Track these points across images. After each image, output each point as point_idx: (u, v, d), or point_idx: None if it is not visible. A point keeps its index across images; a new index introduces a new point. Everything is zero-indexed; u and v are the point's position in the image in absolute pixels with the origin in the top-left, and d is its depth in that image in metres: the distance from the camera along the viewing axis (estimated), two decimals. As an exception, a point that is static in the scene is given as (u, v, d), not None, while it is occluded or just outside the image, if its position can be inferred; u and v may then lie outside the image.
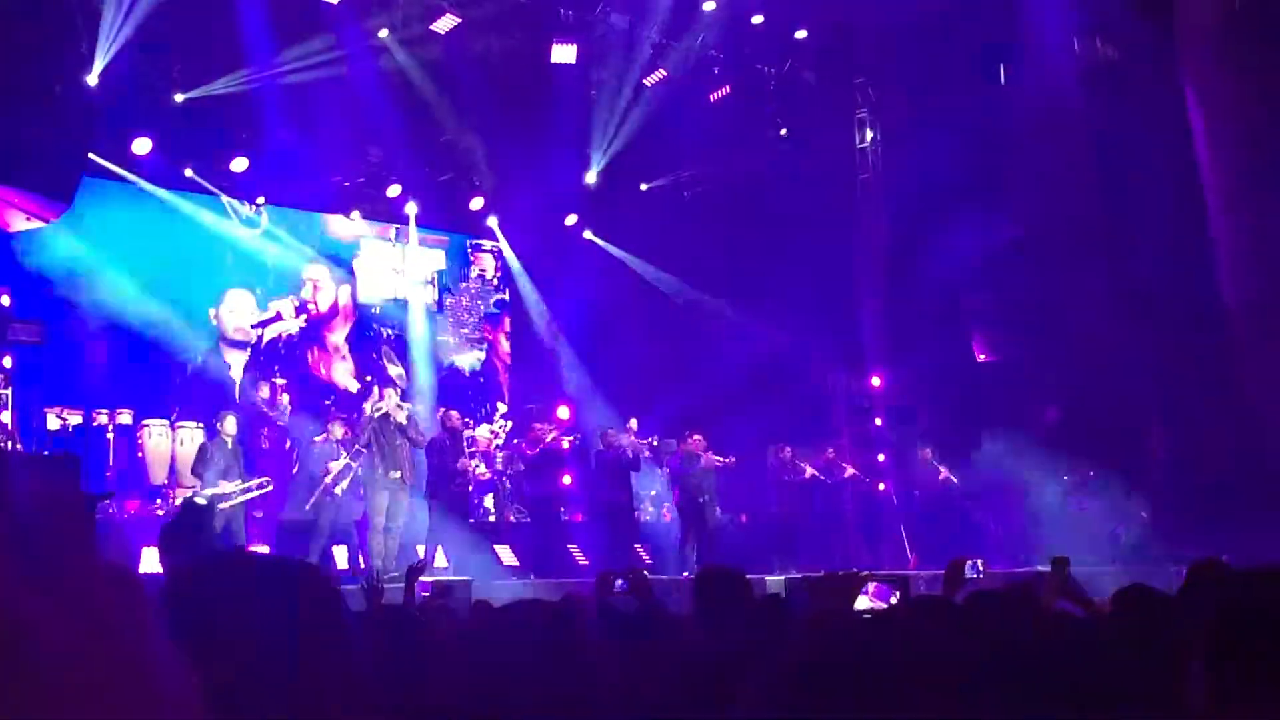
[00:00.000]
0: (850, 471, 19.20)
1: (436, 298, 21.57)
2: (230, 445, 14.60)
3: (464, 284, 22.04)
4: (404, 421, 15.14)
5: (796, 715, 1.59)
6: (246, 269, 19.19)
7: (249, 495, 14.52)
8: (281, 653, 1.69)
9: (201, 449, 14.81)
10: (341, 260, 20.43)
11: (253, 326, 18.95)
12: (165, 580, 1.83)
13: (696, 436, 17.27)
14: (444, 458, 15.83)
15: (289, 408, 18.46)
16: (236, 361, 18.76)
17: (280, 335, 19.24)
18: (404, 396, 17.57)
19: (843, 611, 2.37)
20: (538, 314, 22.04)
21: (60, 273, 16.41)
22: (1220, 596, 2.51)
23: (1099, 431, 18.65)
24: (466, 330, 21.90)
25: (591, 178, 21.12)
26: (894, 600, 2.90)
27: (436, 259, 21.65)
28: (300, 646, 1.71)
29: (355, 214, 20.28)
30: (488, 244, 22.21)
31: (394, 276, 20.97)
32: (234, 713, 1.59)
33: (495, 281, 22.38)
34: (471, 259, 22.18)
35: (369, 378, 19.71)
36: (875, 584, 2.98)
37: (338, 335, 20.08)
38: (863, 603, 2.82)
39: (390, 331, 20.60)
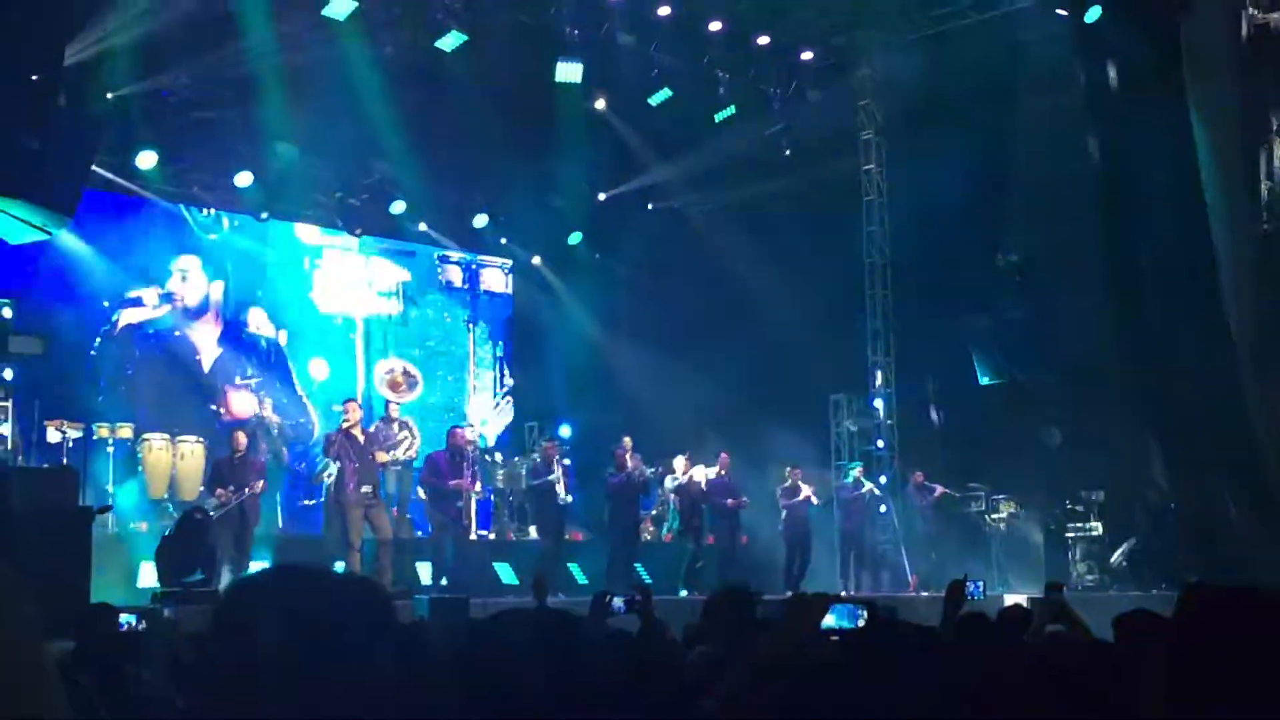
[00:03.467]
0: (941, 491, 19.12)
1: (401, 309, 21.48)
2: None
3: (429, 295, 21.90)
4: (363, 437, 15.07)
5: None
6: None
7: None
8: (336, 668, 1.67)
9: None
10: (301, 268, 20.35)
11: (107, 304, 18.13)
12: (222, 597, 1.81)
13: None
14: (440, 475, 15.78)
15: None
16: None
17: (135, 323, 18.50)
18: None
19: (808, 629, 2.37)
20: (541, 330, 22.09)
21: (61, 285, 16.42)
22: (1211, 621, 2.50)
23: (1099, 455, 18.63)
24: (433, 343, 21.81)
25: (601, 196, 21.18)
26: (861, 622, 2.90)
27: (401, 270, 21.52)
28: (355, 662, 1.69)
29: (359, 231, 20.35)
30: (455, 255, 22.10)
31: (356, 287, 20.89)
32: None
33: (466, 292, 22.30)
34: (439, 271, 22.10)
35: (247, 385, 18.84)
36: (843, 605, 2.99)
37: (202, 335, 19.21)
38: (830, 622, 2.82)
39: (265, 342, 19.80)
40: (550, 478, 16.72)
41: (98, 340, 17.79)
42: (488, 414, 21.86)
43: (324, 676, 1.64)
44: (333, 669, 1.65)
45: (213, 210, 19.10)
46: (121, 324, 18.25)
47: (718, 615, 5.95)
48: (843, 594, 13.50)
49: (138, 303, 18.46)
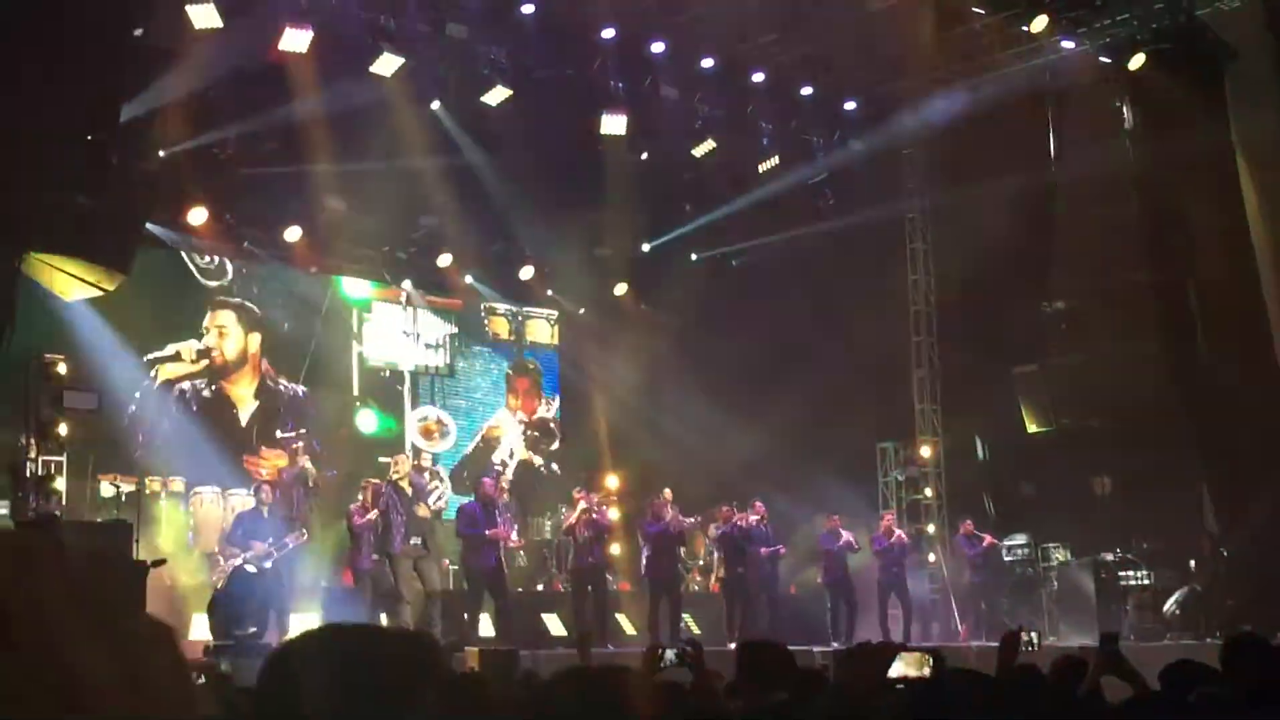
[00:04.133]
0: (989, 541, 18.86)
1: (449, 360, 21.60)
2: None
3: (477, 348, 22.01)
4: (411, 489, 15.06)
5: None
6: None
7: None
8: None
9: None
10: (347, 322, 20.44)
11: (145, 359, 18.18)
12: (267, 659, 1.81)
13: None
14: (474, 526, 15.67)
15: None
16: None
17: (173, 379, 18.56)
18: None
19: (873, 679, 2.37)
20: (586, 382, 22.14)
21: (115, 340, 16.58)
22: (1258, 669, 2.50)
23: (1150, 502, 18.50)
24: (479, 394, 21.90)
25: (646, 247, 21.28)
26: (927, 670, 2.88)
27: (447, 322, 21.60)
28: (405, 715, 1.69)
29: (407, 283, 20.51)
30: (501, 307, 22.26)
31: (404, 339, 21.00)
32: None
33: (513, 344, 22.40)
34: (485, 322, 22.19)
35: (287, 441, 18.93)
36: (910, 653, 2.97)
37: (240, 389, 19.43)
38: (896, 671, 2.81)
39: (303, 394, 19.73)
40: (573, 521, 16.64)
41: (137, 395, 17.87)
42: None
43: None
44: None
45: (216, 258, 19.08)
46: (160, 379, 18.35)
47: (748, 666, 5.94)
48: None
49: (175, 358, 18.54)
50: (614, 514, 17.63)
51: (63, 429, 13.51)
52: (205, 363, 18.76)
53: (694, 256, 22.16)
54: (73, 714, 0.69)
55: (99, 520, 14.35)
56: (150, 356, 18.20)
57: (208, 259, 18.98)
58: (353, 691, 1.69)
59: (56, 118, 12.44)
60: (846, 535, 17.93)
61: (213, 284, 19.12)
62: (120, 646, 0.70)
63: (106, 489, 15.39)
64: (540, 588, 18.52)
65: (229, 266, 19.14)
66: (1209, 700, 3.34)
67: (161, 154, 16.17)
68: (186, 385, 18.58)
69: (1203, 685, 4.09)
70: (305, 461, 17.58)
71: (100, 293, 14.06)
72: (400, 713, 1.67)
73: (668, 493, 17.17)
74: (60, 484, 13.44)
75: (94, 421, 14.67)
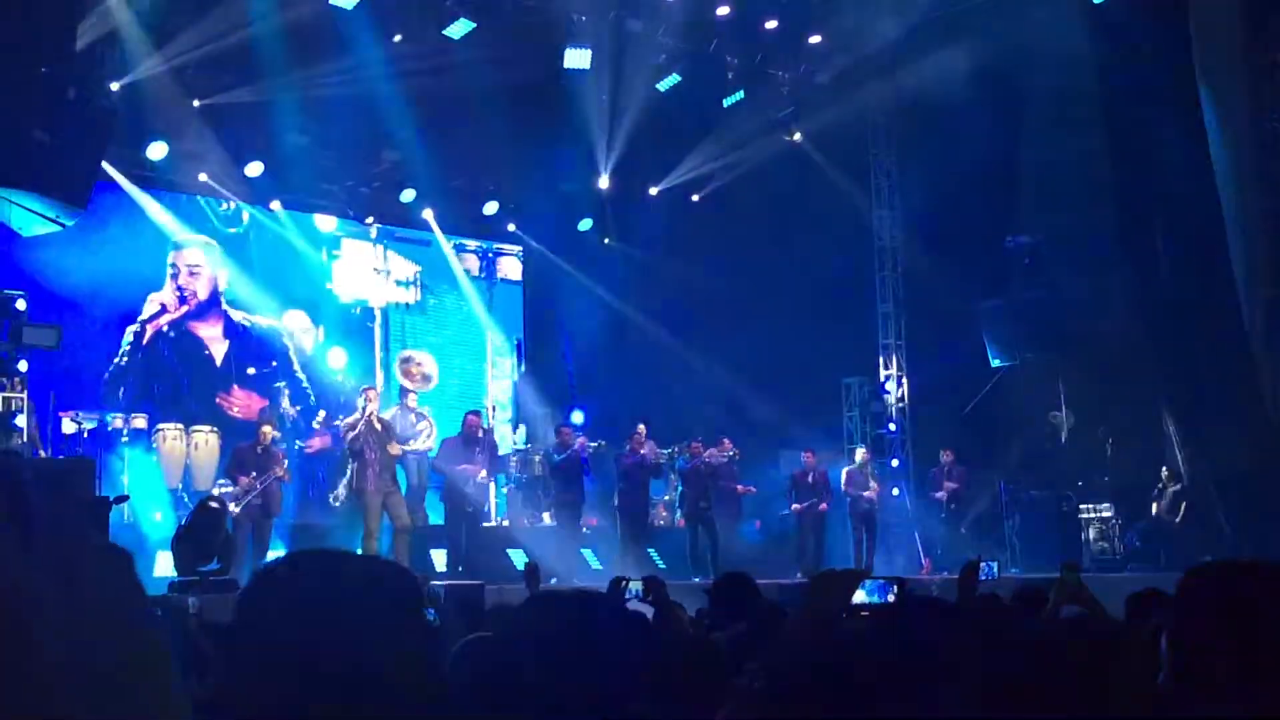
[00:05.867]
0: (952, 487, 19.08)
1: (419, 298, 21.51)
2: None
3: (445, 284, 21.89)
4: (380, 426, 15.02)
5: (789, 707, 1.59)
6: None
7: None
8: (365, 654, 1.63)
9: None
10: (319, 260, 20.30)
11: (142, 324, 18.24)
12: (248, 581, 1.77)
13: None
14: (453, 461, 15.84)
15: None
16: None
17: (161, 326, 18.47)
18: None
19: (837, 604, 2.38)
20: (552, 317, 22.12)
21: (75, 276, 16.42)
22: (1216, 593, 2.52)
23: (1112, 436, 18.67)
24: (450, 331, 21.83)
25: (604, 182, 21.14)
26: (891, 598, 2.89)
27: (418, 260, 21.47)
28: (386, 648, 1.65)
29: (370, 220, 20.38)
30: (471, 243, 22.14)
31: (374, 276, 20.89)
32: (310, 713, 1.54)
33: (483, 279, 22.31)
34: (456, 259, 22.08)
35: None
36: (874, 581, 2.99)
37: (210, 328, 19.07)
38: (859, 598, 2.82)
39: (277, 333, 19.63)
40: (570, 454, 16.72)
41: (125, 346, 17.84)
42: (506, 401, 21.85)
43: (355, 661, 1.61)
44: (364, 652, 1.63)
45: (233, 204, 19.05)
46: (150, 332, 18.28)
47: (722, 599, 6.01)
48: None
49: (163, 310, 18.47)
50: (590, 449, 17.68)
51: (22, 365, 13.38)
52: (185, 307, 18.68)
53: (653, 191, 22.04)
54: (18, 634, 0.67)
55: (60, 457, 14.27)
56: (143, 317, 18.20)
57: (224, 205, 18.98)
58: (335, 620, 1.65)
59: (10, 51, 12.24)
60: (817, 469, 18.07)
61: (231, 230, 19.16)
62: (71, 570, 0.68)
63: (68, 425, 15.32)
64: (506, 523, 18.55)
65: (246, 212, 19.15)
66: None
67: (115, 86, 15.94)
68: (164, 325, 18.50)
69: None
70: (285, 401, 17.56)
71: (58, 227, 13.89)
72: (385, 641, 1.64)
73: (642, 427, 17.23)
74: (21, 420, 13.34)
75: (56, 358, 14.59)
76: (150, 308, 18.35)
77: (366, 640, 1.64)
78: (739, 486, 18.05)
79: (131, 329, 18.08)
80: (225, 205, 19.05)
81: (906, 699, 1.50)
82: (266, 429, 15.40)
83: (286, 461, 15.44)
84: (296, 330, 19.64)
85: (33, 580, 0.67)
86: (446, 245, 21.45)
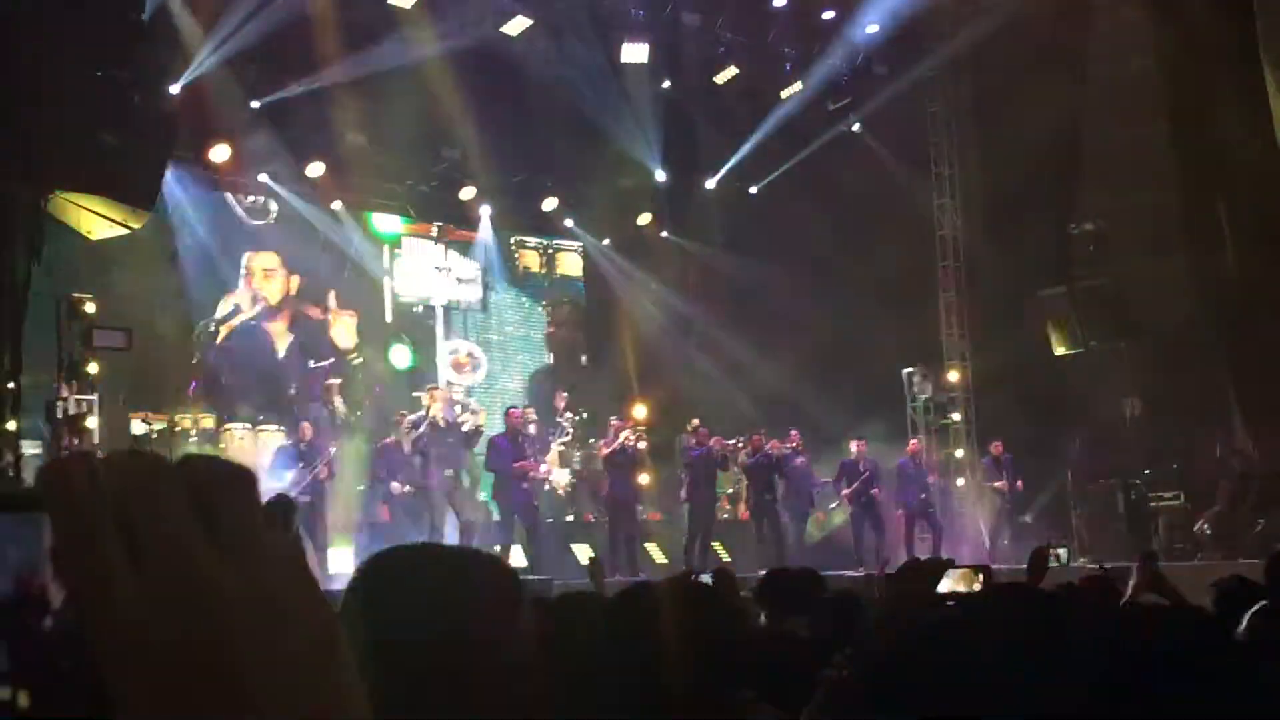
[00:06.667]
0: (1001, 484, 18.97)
1: (482, 295, 21.59)
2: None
3: (508, 280, 21.97)
4: (445, 423, 15.05)
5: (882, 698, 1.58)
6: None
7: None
8: (464, 646, 1.63)
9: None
10: (378, 257, 20.36)
11: (214, 324, 18.39)
12: (354, 575, 1.73)
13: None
14: (503, 458, 15.70)
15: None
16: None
17: (236, 327, 18.69)
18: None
19: (923, 595, 2.36)
20: (612, 312, 22.13)
21: (145, 279, 16.59)
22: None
23: (1180, 423, 18.45)
24: (511, 328, 21.93)
25: (661, 176, 21.14)
26: (977, 586, 2.87)
27: (477, 257, 21.51)
28: (483, 640, 1.65)
29: (434, 230, 20.50)
30: (531, 240, 22.22)
31: (435, 274, 20.98)
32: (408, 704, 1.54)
33: (544, 276, 22.40)
34: (516, 255, 22.17)
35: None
36: (959, 569, 2.97)
37: (278, 325, 19.19)
38: (945, 586, 2.80)
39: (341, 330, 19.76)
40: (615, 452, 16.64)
41: (199, 346, 18.05)
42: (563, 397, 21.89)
43: (463, 655, 1.62)
44: (472, 646, 1.63)
45: (260, 198, 19.02)
46: (224, 332, 18.46)
47: (778, 594, 5.96)
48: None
49: (236, 310, 18.63)
50: (642, 444, 17.66)
51: (93, 368, 13.57)
52: (259, 307, 18.86)
53: (710, 184, 21.98)
54: (208, 636, 0.68)
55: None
56: (218, 317, 18.38)
57: (251, 198, 18.95)
58: (450, 611, 1.64)
59: (74, 55, 12.41)
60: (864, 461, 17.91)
61: (257, 223, 19.13)
62: (251, 566, 0.69)
63: (138, 427, 15.51)
64: (570, 518, 18.60)
65: (272, 206, 19.09)
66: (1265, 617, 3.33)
67: (176, 89, 16.01)
68: (237, 325, 18.68)
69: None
70: (337, 399, 17.65)
71: (126, 230, 14.06)
72: (492, 636, 1.63)
73: (695, 421, 17.21)
74: (92, 422, 13.52)
75: (124, 360, 14.75)
76: (224, 308, 18.54)
77: (469, 632, 1.64)
78: (814, 485, 17.95)
79: (207, 328, 18.25)
80: (252, 199, 19.02)
81: (1001, 689, 1.49)
82: (305, 426, 15.51)
83: (333, 456, 15.45)
84: (354, 328, 19.74)
85: (224, 579, 0.68)
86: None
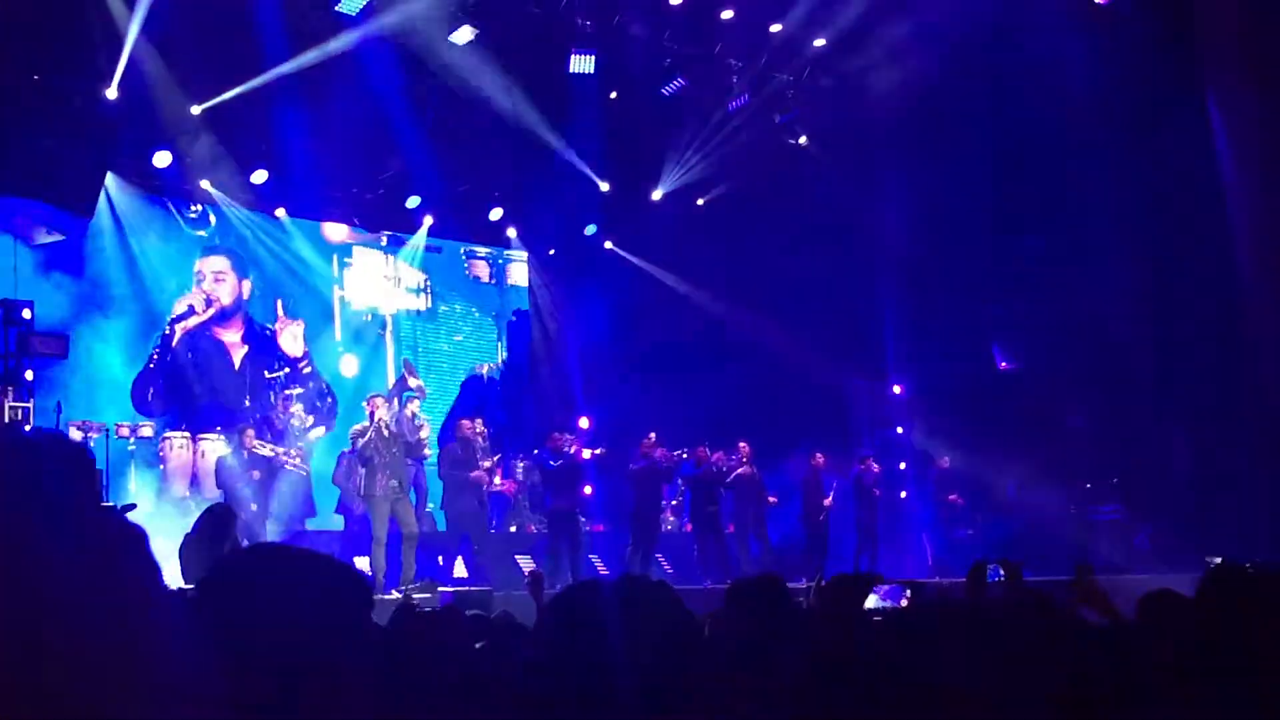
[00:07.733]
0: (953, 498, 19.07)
1: (430, 305, 21.50)
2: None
3: (458, 290, 21.89)
4: (389, 432, 14.91)
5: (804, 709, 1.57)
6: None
7: None
8: (309, 647, 1.67)
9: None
10: (327, 266, 20.24)
11: (169, 324, 18.22)
12: (208, 570, 1.83)
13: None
14: (455, 468, 15.72)
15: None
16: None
17: (190, 330, 18.49)
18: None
19: (850, 611, 2.34)
20: (558, 324, 22.09)
21: (81, 285, 16.39)
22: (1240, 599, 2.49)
23: (1121, 437, 18.62)
24: (461, 337, 21.84)
25: (607, 187, 21.12)
26: (904, 602, 2.86)
27: (426, 266, 21.45)
28: (328, 644, 1.68)
29: (384, 238, 20.38)
30: (482, 250, 22.15)
31: (384, 284, 20.88)
32: (258, 703, 1.58)
33: (494, 287, 22.34)
34: (466, 266, 22.10)
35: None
36: (886, 585, 2.95)
37: (231, 334, 19.07)
38: (872, 603, 2.78)
39: (289, 339, 19.66)
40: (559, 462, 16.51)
41: (154, 353, 17.81)
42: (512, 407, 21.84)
43: (301, 654, 1.65)
44: (311, 647, 1.65)
45: (199, 208, 18.82)
46: (178, 336, 18.24)
47: (745, 602, 5.94)
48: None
49: (190, 311, 18.42)
50: (585, 454, 17.60)
51: (28, 375, 13.38)
52: (211, 310, 18.67)
53: (657, 195, 21.97)
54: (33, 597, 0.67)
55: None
56: (171, 316, 18.15)
57: (192, 207, 18.73)
58: (291, 610, 1.69)
59: (14, 61, 12.28)
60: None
61: (198, 233, 18.92)
62: (89, 539, 0.68)
63: (74, 434, 15.32)
64: (514, 529, 18.54)
65: (212, 218, 18.89)
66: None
67: (115, 95, 15.72)
68: (191, 327, 18.47)
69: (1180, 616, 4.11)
70: (296, 408, 17.52)
71: (63, 237, 13.90)
72: (340, 638, 1.67)
73: (652, 435, 17.19)
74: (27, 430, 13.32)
75: (61, 367, 14.58)
76: (179, 308, 18.35)
77: (309, 632, 1.68)
78: (770, 498, 17.95)
79: (160, 331, 18.07)
80: (192, 208, 18.76)
81: (920, 703, 1.48)
82: (249, 433, 15.44)
83: (290, 461, 15.40)
84: (301, 337, 19.61)
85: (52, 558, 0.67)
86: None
